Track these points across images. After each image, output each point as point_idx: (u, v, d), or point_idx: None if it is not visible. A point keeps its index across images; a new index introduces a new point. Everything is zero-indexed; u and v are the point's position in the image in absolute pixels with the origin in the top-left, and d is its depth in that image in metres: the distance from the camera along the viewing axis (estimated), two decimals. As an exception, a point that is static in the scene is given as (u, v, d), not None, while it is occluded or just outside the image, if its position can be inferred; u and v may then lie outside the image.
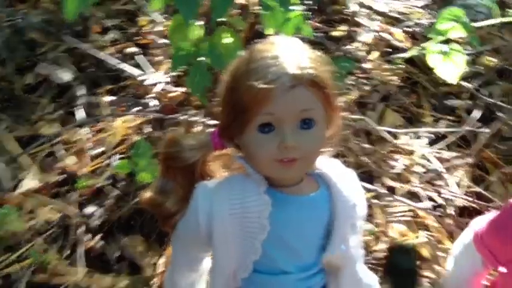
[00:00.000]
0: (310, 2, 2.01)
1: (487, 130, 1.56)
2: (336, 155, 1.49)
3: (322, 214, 0.91)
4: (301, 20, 1.11)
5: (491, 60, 1.79)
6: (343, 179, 0.94)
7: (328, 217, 0.91)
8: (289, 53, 0.83)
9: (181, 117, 1.35)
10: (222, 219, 0.85)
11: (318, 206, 0.91)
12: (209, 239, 0.86)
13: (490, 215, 1.02)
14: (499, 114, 1.61)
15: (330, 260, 0.89)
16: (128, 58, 1.65)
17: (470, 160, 1.51)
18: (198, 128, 1.25)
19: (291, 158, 0.83)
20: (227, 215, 0.85)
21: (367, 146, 1.50)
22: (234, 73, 0.86)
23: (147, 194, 0.94)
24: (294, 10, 1.11)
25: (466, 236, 1.07)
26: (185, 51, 1.15)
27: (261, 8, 1.08)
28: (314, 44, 1.92)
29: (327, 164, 0.95)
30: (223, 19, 1.31)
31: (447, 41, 1.74)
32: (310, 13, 1.99)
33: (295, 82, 0.81)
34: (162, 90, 1.53)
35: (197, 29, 1.22)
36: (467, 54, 1.85)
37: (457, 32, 1.46)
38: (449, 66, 1.51)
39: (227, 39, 1.21)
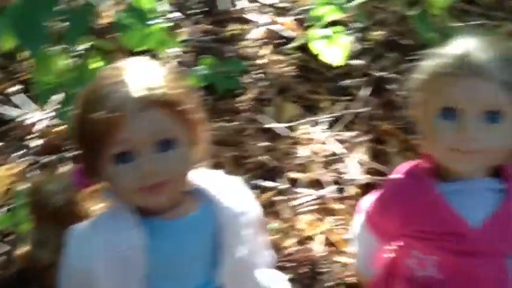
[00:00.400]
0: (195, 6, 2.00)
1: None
2: (236, 158, 1.50)
3: (207, 231, 0.90)
4: (163, 34, 1.09)
5: (379, 34, 1.83)
6: (225, 189, 0.93)
7: (214, 232, 0.90)
8: (136, 75, 0.81)
9: (68, 154, 1.30)
10: (97, 261, 0.83)
11: (201, 224, 0.89)
12: (89, 284, 0.83)
13: (376, 193, 1.04)
14: (391, 86, 1.65)
15: (222, 275, 0.88)
16: (8, 98, 1.57)
17: (369, 137, 1.55)
18: (65, 168, 1.20)
19: (155, 183, 0.81)
20: (102, 255, 0.83)
21: (265, 144, 1.50)
22: (81, 104, 0.83)
23: (23, 249, 0.90)
24: (154, 24, 1.08)
25: (360, 216, 1.08)
26: (50, 84, 1.09)
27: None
28: (204, 48, 1.90)
29: (207, 178, 0.94)
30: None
31: (334, 23, 1.77)
32: (202, 16, 1.98)
33: (143, 105, 0.79)
34: (47, 126, 1.46)
35: (61, 59, 1.17)
36: (358, 31, 1.90)
37: (334, 14, 1.48)
38: (335, 49, 1.54)
39: (96, 64, 1.17)
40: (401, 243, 1.01)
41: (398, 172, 1.00)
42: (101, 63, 1.17)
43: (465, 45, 0.88)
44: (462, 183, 0.93)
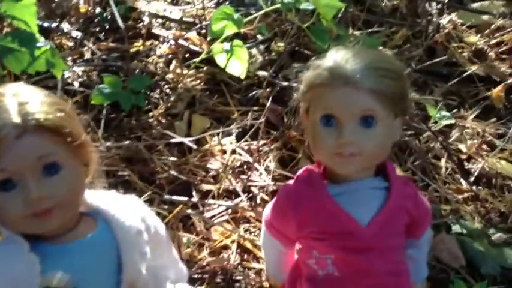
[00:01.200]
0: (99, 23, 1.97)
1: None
2: (146, 174, 1.49)
3: (107, 251, 0.89)
4: (50, 55, 1.07)
5: (280, 46, 1.90)
6: (122, 208, 0.93)
7: (115, 251, 0.89)
8: (11, 102, 0.80)
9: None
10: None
11: (99, 245, 0.89)
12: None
13: (273, 201, 1.09)
14: (295, 94, 1.72)
15: (126, 293, 0.88)
16: None
17: (277, 144, 1.60)
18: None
19: (43, 209, 0.80)
20: None
21: (175, 158, 1.51)
22: None
23: None
24: (40, 46, 1.06)
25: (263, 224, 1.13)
26: None
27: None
28: (108, 66, 1.87)
29: (103, 198, 0.94)
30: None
31: (238, 35, 1.82)
32: (103, 33, 1.95)
33: (19, 131, 0.78)
34: None
35: None
36: (261, 43, 1.96)
37: (231, 29, 1.53)
38: (235, 62, 1.58)
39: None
40: (301, 246, 1.07)
41: (294, 179, 1.06)
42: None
43: (337, 56, 0.95)
44: (350, 184, 1.00)
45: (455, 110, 1.84)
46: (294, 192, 1.02)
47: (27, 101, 0.80)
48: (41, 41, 1.09)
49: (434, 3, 2.36)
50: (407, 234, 1.07)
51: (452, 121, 1.74)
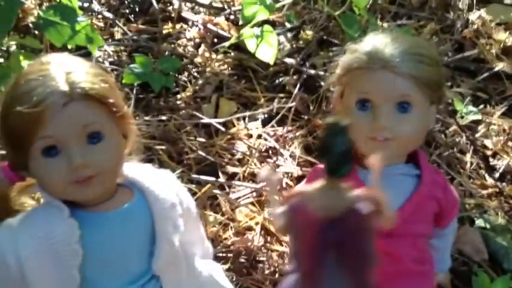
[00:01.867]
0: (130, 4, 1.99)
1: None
2: (174, 154, 1.51)
3: (142, 222, 0.91)
4: (89, 31, 1.09)
5: (309, 34, 1.91)
6: (157, 181, 0.95)
7: (150, 222, 0.91)
8: (58, 70, 0.82)
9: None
10: (30, 255, 0.82)
11: (135, 215, 0.91)
12: (24, 279, 0.83)
13: (302, 183, 1.10)
14: (322, 83, 1.73)
15: (159, 264, 0.90)
16: None
17: (302, 131, 1.61)
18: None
19: (85, 176, 0.82)
20: (34, 250, 0.82)
21: (203, 140, 1.53)
22: (4, 101, 0.82)
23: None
24: (80, 21, 1.09)
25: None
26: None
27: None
28: (138, 47, 1.90)
29: (139, 171, 0.96)
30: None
31: (267, 23, 1.83)
32: (132, 16, 1.98)
33: (66, 99, 0.79)
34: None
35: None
36: (290, 30, 1.97)
37: (262, 14, 1.54)
38: (265, 47, 1.59)
39: (24, 62, 1.15)
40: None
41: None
42: (29, 61, 1.16)
43: (375, 41, 0.95)
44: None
45: (481, 106, 1.84)
46: (323, 174, 1.03)
47: (73, 70, 0.82)
48: (81, 15, 1.12)
49: (464, -2, 2.34)
50: (434, 223, 1.07)
51: (479, 117, 1.74)
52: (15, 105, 0.78)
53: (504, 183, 1.57)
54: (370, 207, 0.72)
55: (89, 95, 0.81)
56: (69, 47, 1.20)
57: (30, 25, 1.47)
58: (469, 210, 1.45)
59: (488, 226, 1.38)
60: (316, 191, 0.70)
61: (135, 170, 0.95)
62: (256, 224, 1.37)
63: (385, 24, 2.03)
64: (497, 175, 1.59)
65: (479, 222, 1.40)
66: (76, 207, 0.86)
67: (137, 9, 1.99)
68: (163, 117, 1.59)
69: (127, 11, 1.99)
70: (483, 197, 1.51)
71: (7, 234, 0.83)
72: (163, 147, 1.50)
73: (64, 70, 0.82)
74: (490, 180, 1.57)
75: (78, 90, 0.80)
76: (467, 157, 1.62)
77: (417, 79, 0.92)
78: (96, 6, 1.97)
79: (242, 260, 1.30)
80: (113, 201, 0.89)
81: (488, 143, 1.69)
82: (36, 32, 1.39)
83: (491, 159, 1.65)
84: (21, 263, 0.82)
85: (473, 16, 2.27)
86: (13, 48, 1.31)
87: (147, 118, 1.56)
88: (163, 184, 0.95)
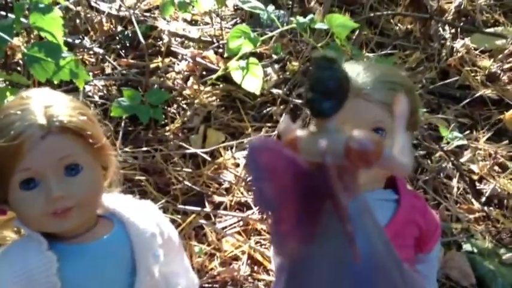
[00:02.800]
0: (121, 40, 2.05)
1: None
2: (167, 184, 1.53)
3: (122, 253, 0.91)
4: (74, 66, 1.12)
5: (295, 65, 1.95)
6: (138, 211, 0.96)
7: (129, 253, 0.92)
8: (37, 104, 0.84)
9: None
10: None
11: (115, 247, 0.91)
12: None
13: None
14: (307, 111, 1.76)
15: (139, 295, 0.90)
16: None
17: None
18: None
19: (63, 208, 0.83)
20: (12, 283, 0.83)
21: (190, 170, 1.55)
22: None
23: None
24: (65, 57, 1.12)
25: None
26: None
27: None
28: (127, 81, 1.93)
29: (119, 202, 0.97)
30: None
31: (255, 54, 1.87)
32: (123, 51, 2.02)
33: (44, 132, 0.81)
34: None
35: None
36: (276, 62, 2.02)
37: (247, 46, 1.58)
38: (251, 78, 1.63)
39: (12, 98, 1.18)
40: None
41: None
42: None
43: (348, 69, 0.97)
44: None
45: (467, 132, 1.86)
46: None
47: (52, 104, 0.84)
48: (66, 52, 1.15)
49: (447, 28, 2.40)
50: (417, 248, 1.08)
51: (464, 142, 1.76)
52: None
53: (491, 207, 1.58)
54: (369, 145, 0.61)
55: (66, 127, 0.83)
56: (56, 82, 1.23)
57: (20, 62, 1.51)
58: (456, 234, 1.45)
59: (475, 250, 1.38)
60: (307, 136, 0.61)
61: (115, 201, 0.96)
62: (243, 253, 1.37)
63: (370, 55, 2.08)
64: (484, 199, 1.60)
65: (467, 246, 1.40)
66: (56, 239, 0.87)
67: (128, 44, 2.04)
68: (150, 149, 1.61)
69: (118, 46, 2.04)
70: (470, 221, 1.51)
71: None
72: (149, 178, 1.51)
73: (43, 104, 0.84)
74: (476, 205, 1.57)
75: (56, 123, 0.82)
76: (454, 182, 1.63)
77: (389, 106, 0.94)
78: (87, 42, 2.02)
79: (229, 290, 1.29)
80: (93, 233, 0.90)
81: (474, 167, 1.70)
82: (25, 67, 1.43)
83: (477, 184, 1.66)
84: (-2, 296, 0.82)
85: (457, 45, 2.32)
86: (2, 85, 1.34)
87: (133, 150, 1.58)
88: (144, 214, 0.96)
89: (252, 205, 1.50)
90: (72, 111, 0.85)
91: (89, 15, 2.09)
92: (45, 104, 0.84)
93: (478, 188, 1.65)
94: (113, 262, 0.90)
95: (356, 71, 0.96)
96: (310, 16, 1.67)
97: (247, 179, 1.56)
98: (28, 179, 0.82)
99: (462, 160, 1.73)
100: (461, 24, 2.40)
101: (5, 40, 1.08)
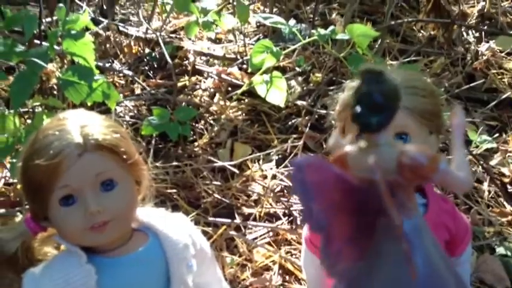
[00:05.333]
0: (150, 61, 2.12)
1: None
2: (197, 198, 1.56)
3: (156, 264, 0.95)
4: (106, 88, 1.18)
5: (318, 76, 1.98)
6: (170, 223, 0.99)
7: (164, 265, 0.95)
8: (73, 124, 0.89)
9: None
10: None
11: (150, 259, 0.95)
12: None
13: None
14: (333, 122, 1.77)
15: (175, 305, 0.93)
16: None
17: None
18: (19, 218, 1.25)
19: (101, 222, 0.87)
20: None
21: (219, 183, 1.58)
22: (24, 156, 0.89)
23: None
24: (97, 79, 1.18)
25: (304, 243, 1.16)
26: (3, 143, 1.16)
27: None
28: (157, 100, 1.99)
29: (152, 215, 1.00)
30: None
31: (277, 68, 1.91)
32: (151, 72, 2.09)
33: (80, 150, 0.86)
34: (5, 184, 1.51)
35: (13, 119, 1.24)
36: (300, 74, 2.05)
37: (270, 60, 1.61)
38: (275, 92, 1.66)
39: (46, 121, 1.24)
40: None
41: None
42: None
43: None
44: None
45: (496, 135, 1.84)
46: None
47: (87, 123, 0.89)
48: (98, 74, 1.21)
49: (471, 32, 2.38)
50: (448, 252, 1.07)
51: (494, 145, 1.74)
52: (34, 159, 0.85)
53: (524, 210, 1.55)
54: (422, 159, 0.57)
55: (101, 145, 0.87)
56: (89, 104, 1.29)
57: (54, 87, 1.59)
58: (489, 238, 1.43)
59: (509, 253, 1.35)
60: (357, 151, 0.59)
61: (148, 214, 0.99)
62: (274, 263, 1.38)
63: (393, 62, 2.09)
64: (516, 202, 1.57)
65: (500, 250, 1.37)
66: (94, 253, 0.91)
67: (155, 65, 2.12)
68: (180, 164, 1.65)
69: (146, 67, 2.12)
70: (503, 225, 1.49)
71: (30, 283, 0.88)
72: (180, 192, 1.55)
73: (79, 124, 0.89)
74: (509, 208, 1.55)
75: (91, 142, 0.87)
76: (485, 186, 1.61)
77: (412, 110, 0.95)
78: (117, 65, 2.10)
79: (262, 300, 1.31)
80: (128, 246, 0.93)
81: (505, 170, 1.68)
82: (59, 92, 1.50)
83: (509, 187, 1.63)
84: (43, 308, 0.86)
85: (482, 48, 2.31)
86: (38, 109, 1.41)
87: (164, 165, 1.62)
88: (176, 226, 0.99)
89: (281, 215, 1.52)
90: (106, 129, 0.90)
91: (117, 39, 2.18)
92: (81, 124, 0.89)
93: (509, 190, 1.62)
94: (148, 273, 0.93)
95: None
96: (331, 28, 1.70)
97: (275, 190, 1.59)
98: (67, 196, 0.86)
99: (492, 163, 1.71)
100: (485, 27, 2.39)
101: (40, 66, 1.15)
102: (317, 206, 0.61)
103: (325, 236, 0.63)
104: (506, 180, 1.65)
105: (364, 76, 0.57)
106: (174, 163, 1.65)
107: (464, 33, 2.39)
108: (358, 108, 0.56)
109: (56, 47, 1.31)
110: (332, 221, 0.63)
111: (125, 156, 0.90)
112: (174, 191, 1.54)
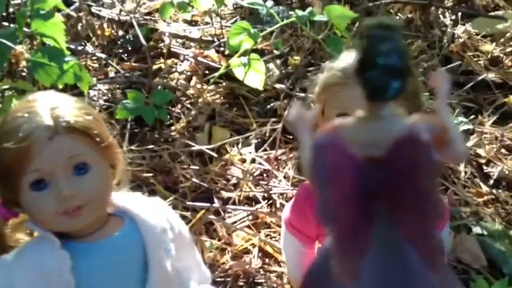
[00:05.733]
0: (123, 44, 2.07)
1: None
2: (175, 183, 1.54)
3: (133, 249, 0.93)
4: (77, 69, 1.14)
5: (297, 59, 1.96)
6: (147, 208, 0.97)
7: (141, 249, 0.93)
8: (43, 106, 0.85)
9: None
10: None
11: (126, 243, 0.92)
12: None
13: (292, 201, 1.12)
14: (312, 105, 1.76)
15: (152, 290, 0.91)
16: None
17: (295, 153, 1.64)
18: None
19: (74, 206, 0.85)
20: (27, 283, 0.84)
21: (197, 167, 1.56)
22: None
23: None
24: (69, 61, 1.14)
25: (283, 225, 1.16)
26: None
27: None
28: (132, 83, 1.95)
29: (128, 199, 0.98)
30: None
31: (255, 51, 1.88)
32: (125, 54, 2.04)
33: (51, 133, 0.83)
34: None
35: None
36: (278, 57, 2.03)
37: (248, 42, 1.59)
38: (253, 74, 1.64)
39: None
40: (321, 244, 1.09)
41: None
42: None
43: (349, 57, 0.99)
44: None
45: (473, 117, 1.86)
46: (312, 190, 1.05)
47: (57, 105, 0.86)
48: (69, 56, 1.17)
49: (447, 14, 2.39)
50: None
51: (470, 126, 1.76)
52: (2, 142, 0.82)
53: (500, 190, 1.58)
54: (431, 134, 0.51)
55: (73, 127, 0.84)
56: (60, 87, 1.24)
57: (24, 70, 1.54)
58: (465, 218, 1.45)
59: (485, 233, 1.38)
60: (355, 124, 0.52)
61: (124, 198, 0.97)
62: (253, 246, 1.38)
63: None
64: (492, 182, 1.60)
65: (476, 229, 1.40)
66: (68, 238, 0.88)
67: (130, 48, 2.06)
68: (157, 148, 1.62)
69: (120, 50, 2.06)
70: (479, 205, 1.51)
71: (2, 270, 0.86)
72: (157, 177, 1.53)
73: (49, 106, 0.85)
74: (485, 188, 1.57)
75: (62, 124, 0.84)
76: (461, 167, 1.63)
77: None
78: (89, 48, 2.05)
79: (241, 283, 1.30)
80: (104, 231, 0.91)
81: (481, 151, 1.70)
82: (29, 74, 1.45)
83: (485, 167, 1.66)
84: (14, 296, 0.84)
85: (458, 31, 2.32)
86: (8, 93, 1.36)
87: (140, 149, 1.59)
88: (154, 210, 0.97)
89: (260, 199, 1.51)
90: (77, 111, 0.87)
91: (90, 21, 2.12)
92: (51, 106, 0.85)
93: (485, 171, 1.65)
94: (125, 258, 0.91)
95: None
96: (309, 9, 1.68)
97: (255, 174, 1.57)
98: (38, 180, 0.83)
99: (468, 144, 1.73)
100: (460, 10, 2.40)
101: (8, 47, 1.10)
102: (330, 195, 0.55)
103: (334, 230, 0.58)
104: (482, 161, 1.68)
105: (374, 32, 0.47)
106: (151, 146, 1.62)
107: (441, 16, 2.40)
108: (372, 72, 0.46)
109: (25, 29, 1.26)
110: (341, 214, 0.57)
111: (98, 139, 0.87)
112: (151, 175, 1.51)
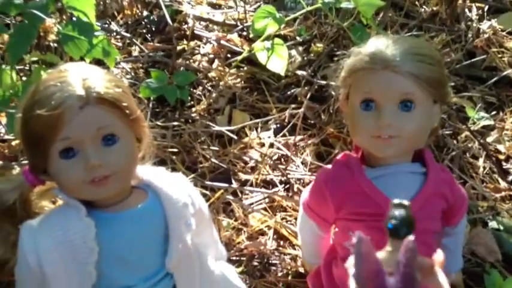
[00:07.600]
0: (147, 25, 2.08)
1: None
2: (194, 163, 1.55)
3: (155, 221, 0.95)
4: (106, 44, 1.16)
5: (319, 46, 1.96)
6: (170, 182, 0.99)
7: (163, 222, 0.95)
8: (75, 76, 0.87)
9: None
10: (48, 254, 0.87)
11: (149, 215, 0.95)
12: (44, 278, 0.87)
13: (312, 184, 1.13)
14: (332, 92, 1.76)
15: (172, 261, 0.93)
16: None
17: (314, 139, 1.64)
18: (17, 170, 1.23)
19: (101, 176, 0.87)
20: (52, 248, 0.87)
21: (217, 148, 1.57)
22: (23, 107, 0.88)
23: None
24: (97, 36, 1.15)
25: (301, 208, 1.17)
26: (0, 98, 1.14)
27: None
28: (155, 63, 1.96)
29: (153, 173, 1.00)
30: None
31: (279, 36, 1.88)
32: (149, 35, 2.06)
33: (82, 103, 0.85)
34: (1, 141, 1.49)
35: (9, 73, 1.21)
36: (301, 44, 2.02)
37: (272, 27, 1.59)
38: (276, 59, 1.64)
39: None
40: (338, 228, 1.10)
41: (332, 163, 1.10)
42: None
43: (377, 43, 0.99)
44: (387, 168, 1.04)
45: (494, 112, 1.85)
46: (332, 174, 1.06)
47: (89, 76, 0.87)
48: (98, 31, 1.18)
49: (474, 9, 2.36)
50: (444, 221, 1.09)
51: (491, 122, 1.75)
52: (34, 109, 0.83)
53: (518, 187, 1.57)
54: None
55: (103, 98, 0.86)
56: (88, 61, 1.26)
57: (51, 44, 1.56)
58: (482, 212, 1.45)
59: (501, 228, 1.37)
60: (384, 256, 0.75)
61: (148, 172, 0.99)
62: (269, 228, 1.39)
63: (395, 36, 2.06)
64: (510, 178, 1.59)
65: (493, 224, 1.39)
66: (93, 207, 0.90)
67: (153, 28, 2.08)
68: (178, 128, 1.64)
69: (144, 30, 2.08)
70: (496, 200, 1.50)
71: (27, 234, 0.88)
72: (178, 156, 1.54)
73: (81, 76, 0.87)
74: (503, 184, 1.56)
75: (93, 95, 0.85)
76: (480, 162, 1.63)
77: (418, 78, 0.95)
78: (114, 26, 2.06)
79: (255, 263, 1.32)
80: (128, 202, 0.93)
81: (501, 147, 1.69)
82: (57, 48, 1.47)
83: (504, 163, 1.65)
84: (41, 261, 0.86)
85: (484, 26, 2.29)
86: (35, 65, 1.38)
87: (163, 125, 1.61)
88: (176, 185, 0.99)
89: (278, 183, 1.52)
90: (108, 83, 0.88)
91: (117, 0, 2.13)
92: (83, 76, 0.87)
93: (504, 167, 1.63)
94: (147, 230, 0.93)
95: (385, 44, 0.97)
96: (335, -4, 1.66)
97: (273, 158, 1.58)
98: (67, 148, 0.85)
99: (489, 140, 1.72)
100: (488, 3, 2.36)
101: (40, 19, 1.12)
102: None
103: None
104: (502, 157, 1.67)
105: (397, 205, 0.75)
106: (174, 123, 1.63)
107: (467, 10, 2.37)
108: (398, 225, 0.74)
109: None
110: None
111: (127, 112, 0.89)
112: (174, 151, 1.53)
